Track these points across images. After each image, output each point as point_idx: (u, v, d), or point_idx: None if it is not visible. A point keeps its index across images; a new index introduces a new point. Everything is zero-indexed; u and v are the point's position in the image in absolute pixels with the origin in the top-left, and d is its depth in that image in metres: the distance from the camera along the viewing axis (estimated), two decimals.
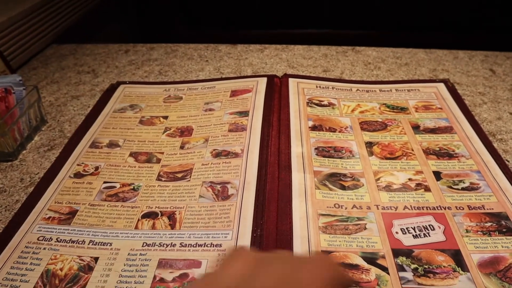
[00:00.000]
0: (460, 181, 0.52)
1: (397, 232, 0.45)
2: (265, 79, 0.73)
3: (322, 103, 0.67)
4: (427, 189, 0.51)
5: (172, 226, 0.47)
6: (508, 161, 0.56)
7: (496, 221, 0.46)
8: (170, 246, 0.44)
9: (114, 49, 0.94)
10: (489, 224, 0.45)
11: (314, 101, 0.68)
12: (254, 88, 0.71)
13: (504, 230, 0.45)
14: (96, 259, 0.43)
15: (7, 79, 0.63)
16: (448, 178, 0.52)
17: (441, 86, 0.71)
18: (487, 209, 0.47)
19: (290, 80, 0.73)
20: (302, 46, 0.91)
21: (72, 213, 0.49)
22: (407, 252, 0.43)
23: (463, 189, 0.50)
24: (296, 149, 0.57)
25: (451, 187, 0.51)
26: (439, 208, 0.48)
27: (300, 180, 0.52)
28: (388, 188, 0.51)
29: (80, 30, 1.07)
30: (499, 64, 0.82)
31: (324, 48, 0.90)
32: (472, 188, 0.50)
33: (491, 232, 0.45)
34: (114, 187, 0.53)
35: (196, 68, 0.84)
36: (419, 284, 0.40)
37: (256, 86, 0.72)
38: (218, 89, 0.73)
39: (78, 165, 0.57)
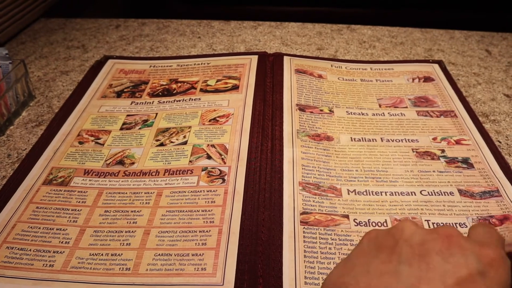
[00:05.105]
0: None
1: None
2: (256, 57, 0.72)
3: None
4: None
5: None
6: (500, 142, 0.56)
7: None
8: None
9: (104, 24, 0.91)
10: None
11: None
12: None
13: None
14: None
15: None
16: None
17: (436, 67, 0.70)
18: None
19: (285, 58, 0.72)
20: (297, 24, 0.90)
21: None
22: None
23: None
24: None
25: None
26: None
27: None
28: None
29: (70, 4, 1.04)
30: (495, 45, 0.81)
31: (318, 26, 0.89)
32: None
33: None
34: None
35: (188, 44, 0.82)
36: None
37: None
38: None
39: None
